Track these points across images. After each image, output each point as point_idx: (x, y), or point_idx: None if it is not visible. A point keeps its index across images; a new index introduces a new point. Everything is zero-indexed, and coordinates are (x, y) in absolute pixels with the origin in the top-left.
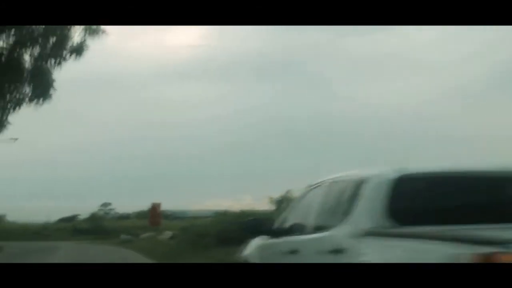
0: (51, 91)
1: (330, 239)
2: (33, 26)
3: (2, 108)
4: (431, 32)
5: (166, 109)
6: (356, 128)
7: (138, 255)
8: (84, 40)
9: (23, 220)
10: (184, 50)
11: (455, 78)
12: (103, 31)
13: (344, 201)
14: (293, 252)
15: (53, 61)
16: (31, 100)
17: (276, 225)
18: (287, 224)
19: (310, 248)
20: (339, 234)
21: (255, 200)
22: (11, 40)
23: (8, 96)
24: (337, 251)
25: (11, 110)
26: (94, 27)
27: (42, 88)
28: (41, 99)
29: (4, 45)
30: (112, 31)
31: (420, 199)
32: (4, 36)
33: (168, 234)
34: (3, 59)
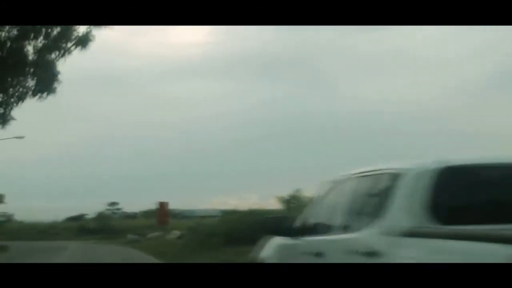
0: (55, 84)
1: (362, 240)
2: None
3: (5, 102)
4: (444, 29)
5: (173, 107)
6: (362, 124)
7: (145, 256)
8: (90, 31)
9: (31, 219)
10: (190, 48)
11: (460, 75)
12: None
13: (377, 197)
14: (318, 254)
15: (57, 53)
16: (34, 93)
17: (298, 224)
18: (310, 223)
19: (337, 250)
20: (372, 234)
21: (261, 199)
22: (14, 31)
23: (11, 90)
24: (371, 253)
25: (15, 105)
26: None
27: (46, 81)
28: (45, 93)
29: (7, 36)
30: (117, 27)
31: (466, 194)
32: (6, 27)
33: (176, 233)
34: (5, 51)
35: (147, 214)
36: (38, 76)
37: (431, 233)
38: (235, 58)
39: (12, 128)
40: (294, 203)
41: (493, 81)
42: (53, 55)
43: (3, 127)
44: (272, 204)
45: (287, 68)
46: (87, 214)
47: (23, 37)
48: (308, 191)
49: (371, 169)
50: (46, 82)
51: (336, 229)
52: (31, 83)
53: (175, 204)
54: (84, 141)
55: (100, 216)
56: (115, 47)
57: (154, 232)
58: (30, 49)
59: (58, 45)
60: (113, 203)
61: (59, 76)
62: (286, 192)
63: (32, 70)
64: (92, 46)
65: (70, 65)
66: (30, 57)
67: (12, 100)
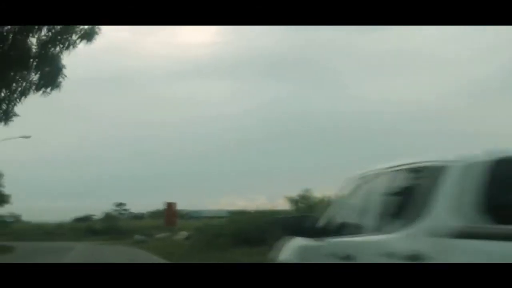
0: (60, 79)
1: (401, 242)
2: None
3: (8, 98)
4: (444, 29)
5: (183, 108)
6: (362, 124)
7: (152, 256)
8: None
9: (38, 220)
10: (195, 48)
11: (461, 75)
12: None
13: (416, 193)
14: (347, 257)
15: (61, 46)
16: (38, 88)
17: (321, 223)
18: (335, 223)
19: (370, 252)
20: (414, 235)
21: (269, 199)
22: None
23: (13, 85)
24: (413, 257)
25: (18, 100)
26: None
27: (50, 75)
28: (49, 88)
29: (9, 29)
30: (123, 27)
31: None
32: None
33: (183, 234)
34: (7, 44)
35: (154, 214)
36: (42, 70)
37: (488, 233)
38: (242, 58)
39: (17, 126)
40: (303, 203)
41: (493, 81)
42: (57, 49)
43: (6, 124)
44: (281, 204)
45: (291, 68)
46: (94, 215)
47: (26, 30)
48: (318, 191)
49: (406, 162)
50: (51, 76)
51: (366, 230)
52: (34, 77)
53: (182, 205)
54: (91, 142)
55: (107, 217)
56: (124, 47)
57: (162, 233)
58: (33, 41)
59: (63, 38)
60: (120, 204)
61: (64, 71)
62: (293, 193)
63: (35, 64)
64: (100, 46)
65: (80, 67)
66: (34, 50)
67: (15, 95)
